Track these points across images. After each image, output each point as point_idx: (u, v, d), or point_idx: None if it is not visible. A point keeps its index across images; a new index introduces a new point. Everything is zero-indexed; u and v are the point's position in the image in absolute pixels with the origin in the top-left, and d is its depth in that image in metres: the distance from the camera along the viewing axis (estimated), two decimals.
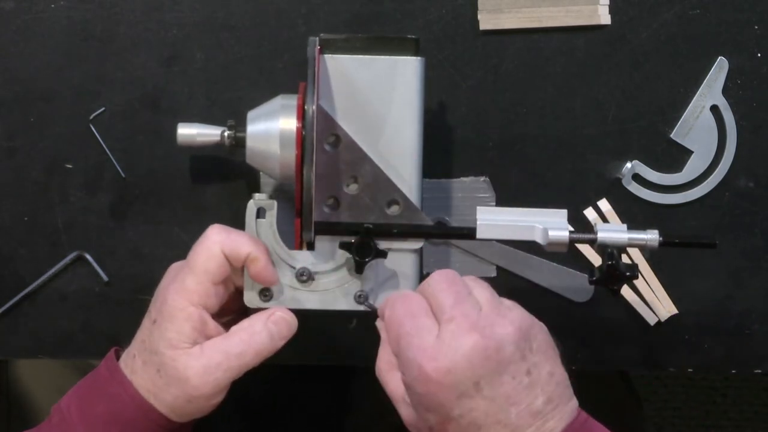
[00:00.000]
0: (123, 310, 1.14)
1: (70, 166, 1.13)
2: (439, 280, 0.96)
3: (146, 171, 1.14)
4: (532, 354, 0.94)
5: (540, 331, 0.96)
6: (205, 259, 1.01)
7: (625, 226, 1.04)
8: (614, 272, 1.01)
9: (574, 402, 0.96)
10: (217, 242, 1.01)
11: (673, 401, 2.09)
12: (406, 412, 0.98)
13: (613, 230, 1.02)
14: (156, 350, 1.00)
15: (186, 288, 1.01)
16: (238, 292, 1.05)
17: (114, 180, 1.14)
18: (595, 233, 1.02)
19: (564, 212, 1.03)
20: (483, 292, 0.97)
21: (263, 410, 1.42)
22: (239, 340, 1.01)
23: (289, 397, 1.44)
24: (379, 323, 1.02)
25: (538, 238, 1.02)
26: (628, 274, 1.01)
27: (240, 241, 1.02)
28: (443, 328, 0.93)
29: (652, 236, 1.02)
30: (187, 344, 1.00)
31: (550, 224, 1.02)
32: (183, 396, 1.00)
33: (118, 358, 1.04)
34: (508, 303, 0.97)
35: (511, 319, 0.94)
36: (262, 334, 1.02)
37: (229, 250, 1.01)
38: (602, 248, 1.02)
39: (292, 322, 1.03)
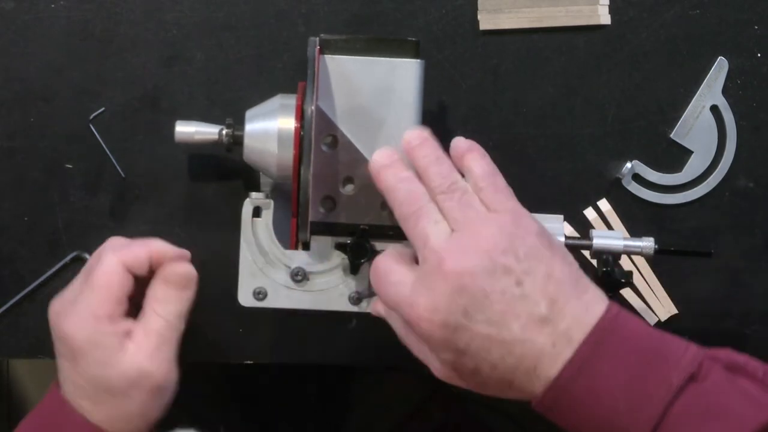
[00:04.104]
0: None
1: (70, 166, 1.14)
2: (401, 203, 0.95)
3: (146, 171, 1.14)
4: (520, 262, 0.90)
5: (528, 234, 0.92)
6: (106, 287, 1.03)
7: (620, 232, 1.04)
8: (609, 279, 1.01)
9: (592, 294, 0.92)
10: (114, 261, 1.03)
11: None
12: (435, 367, 0.95)
13: (608, 237, 1.03)
14: (98, 380, 1.01)
15: (88, 313, 1.02)
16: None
17: (114, 180, 1.14)
18: (591, 239, 1.02)
19: (560, 217, 1.04)
20: (453, 210, 0.94)
21: (263, 410, 1.42)
22: (150, 310, 1.04)
23: (290, 397, 1.44)
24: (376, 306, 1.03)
25: None
26: (622, 280, 1.01)
27: (136, 250, 1.05)
28: (420, 269, 0.92)
29: (647, 244, 1.02)
30: (120, 352, 1.01)
31: None
32: (148, 395, 1.02)
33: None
34: (479, 209, 0.94)
35: (487, 235, 0.91)
36: (166, 296, 1.04)
37: (131, 261, 1.04)
38: (598, 254, 1.02)
39: (183, 271, 1.05)
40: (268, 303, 1.05)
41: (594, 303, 0.91)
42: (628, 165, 1.15)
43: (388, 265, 0.95)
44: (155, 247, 1.05)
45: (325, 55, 1.02)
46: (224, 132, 1.06)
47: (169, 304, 1.03)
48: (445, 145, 1.11)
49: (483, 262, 0.89)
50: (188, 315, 1.06)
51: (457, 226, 0.92)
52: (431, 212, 0.93)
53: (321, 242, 1.04)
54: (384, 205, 1.03)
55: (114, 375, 1.00)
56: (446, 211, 0.93)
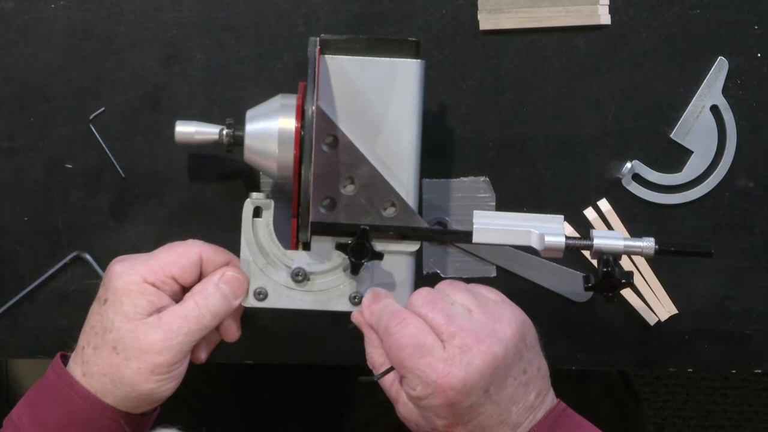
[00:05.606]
0: None
1: (70, 166, 1.14)
2: (421, 303, 0.99)
3: (146, 171, 1.14)
4: (527, 350, 0.98)
5: (530, 326, 1.00)
6: (177, 255, 1.04)
7: (620, 232, 1.04)
8: (609, 279, 1.01)
9: (552, 391, 1.01)
10: (196, 249, 1.05)
11: (673, 401, 2.09)
12: (404, 410, 1.00)
13: (609, 237, 1.03)
14: (111, 327, 1.01)
15: (144, 267, 1.02)
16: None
17: (114, 180, 1.14)
18: (591, 239, 1.02)
19: (560, 218, 1.04)
20: (464, 296, 1.00)
21: (263, 410, 1.42)
22: (194, 303, 1.03)
23: (289, 397, 1.44)
24: (356, 317, 1.05)
25: (535, 244, 1.02)
26: (623, 281, 1.01)
27: (220, 250, 1.05)
28: (448, 344, 0.96)
29: (648, 244, 1.03)
30: (144, 316, 1.01)
31: (546, 229, 1.02)
32: (146, 367, 1.00)
33: (65, 363, 1.04)
34: (491, 296, 1.01)
35: (508, 320, 0.98)
36: (215, 295, 1.03)
37: (207, 256, 1.04)
38: (598, 254, 1.02)
39: (244, 279, 1.05)
40: (269, 303, 1.05)
41: (553, 396, 1.01)
42: (628, 165, 1.14)
43: (413, 329, 0.97)
44: (233, 260, 1.06)
45: (326, 55, 1.02)
46: (224, 132, 1.06)
47: (209, 298, 1.03)
48: (446, 146, 1.11)
49: (510, 346, 0.96)
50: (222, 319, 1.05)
51: (474, 307, 0.98)
52: (446, 296, 1.00)
53: (321, 242, 1.04)
54: (386, 206, 1.03)
55: (126, 332, 1.00)
56: (458, 297, 1.00)
